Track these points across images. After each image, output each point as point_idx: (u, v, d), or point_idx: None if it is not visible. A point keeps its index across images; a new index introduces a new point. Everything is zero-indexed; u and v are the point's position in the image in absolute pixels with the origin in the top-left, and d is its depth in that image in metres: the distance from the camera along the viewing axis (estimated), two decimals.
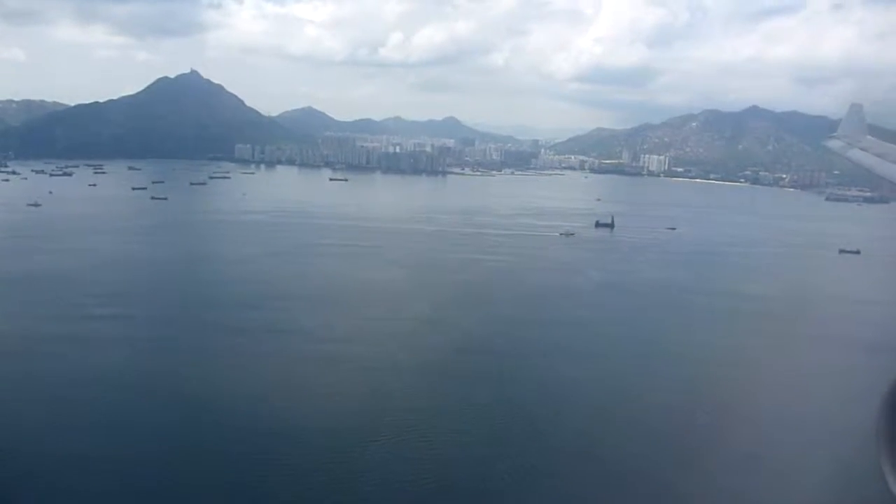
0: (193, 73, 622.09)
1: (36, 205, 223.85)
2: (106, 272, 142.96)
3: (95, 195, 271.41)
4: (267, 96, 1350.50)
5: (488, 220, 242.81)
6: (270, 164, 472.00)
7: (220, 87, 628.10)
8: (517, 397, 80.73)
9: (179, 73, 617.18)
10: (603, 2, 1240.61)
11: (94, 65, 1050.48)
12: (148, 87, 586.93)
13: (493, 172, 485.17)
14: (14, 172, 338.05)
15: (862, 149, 28.49)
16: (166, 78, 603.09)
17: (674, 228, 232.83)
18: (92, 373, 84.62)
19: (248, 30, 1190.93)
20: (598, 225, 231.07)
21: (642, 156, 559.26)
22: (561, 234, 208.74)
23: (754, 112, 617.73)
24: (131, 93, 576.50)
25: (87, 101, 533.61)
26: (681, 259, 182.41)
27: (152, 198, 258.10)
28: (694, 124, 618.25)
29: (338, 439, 68.16)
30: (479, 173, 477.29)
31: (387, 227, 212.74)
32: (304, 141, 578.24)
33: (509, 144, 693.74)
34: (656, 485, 61.82)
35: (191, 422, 71.10)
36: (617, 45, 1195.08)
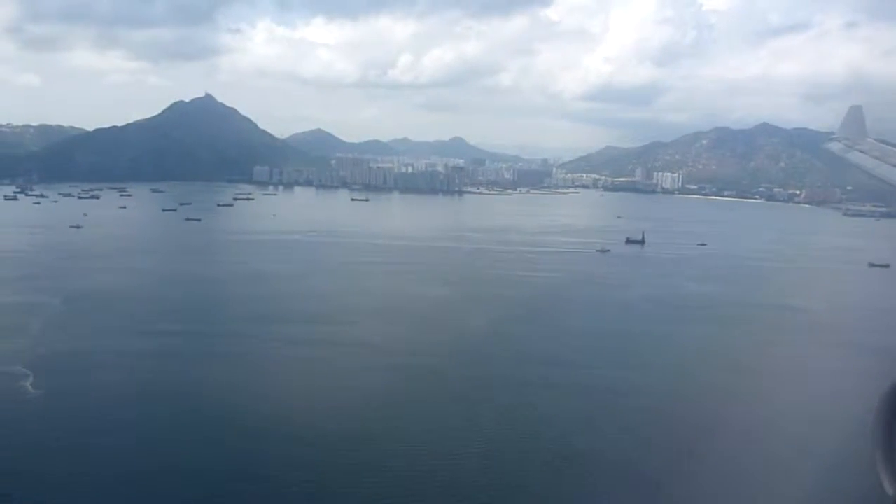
0: (208, 96, 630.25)
1: (77, 227, 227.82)
2: (163, 290, 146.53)
3: (129, 217, 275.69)
4: (277, 119, 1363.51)
5: (518, 237, 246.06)
6: (288, 186, 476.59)
7: (233, 111, 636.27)
8: (619, 406, 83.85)
9: (193, 96, 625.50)
10: (610, 21, 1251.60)
11: (108, 89, 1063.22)
12: (164, 111, 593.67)
13: (509, 191, 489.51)
14: (42, 195, 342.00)
15: (861, 151, 27.55)
16: (182, 102, 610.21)
17: (704, 244, 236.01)
18: (186, 385, 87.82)
19: (261, 53, 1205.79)
20: (628, 241, 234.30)
21: (655, 173, 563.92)
22: (597, 251, 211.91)
23: (764, 129, 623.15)
24: (147, 116, 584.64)
25: (104, 126, 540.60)
26: (718, 274, 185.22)
27: (187, 219, 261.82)
28: (704, 142, 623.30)
29: (450, 443, 71.21)
30: (494, 192, 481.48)
31: (421, 246, 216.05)
32: (316, 162, 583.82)
33: (520, 164, 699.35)
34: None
35: (295, 428, 74.07)
36: (624, 64, 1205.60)
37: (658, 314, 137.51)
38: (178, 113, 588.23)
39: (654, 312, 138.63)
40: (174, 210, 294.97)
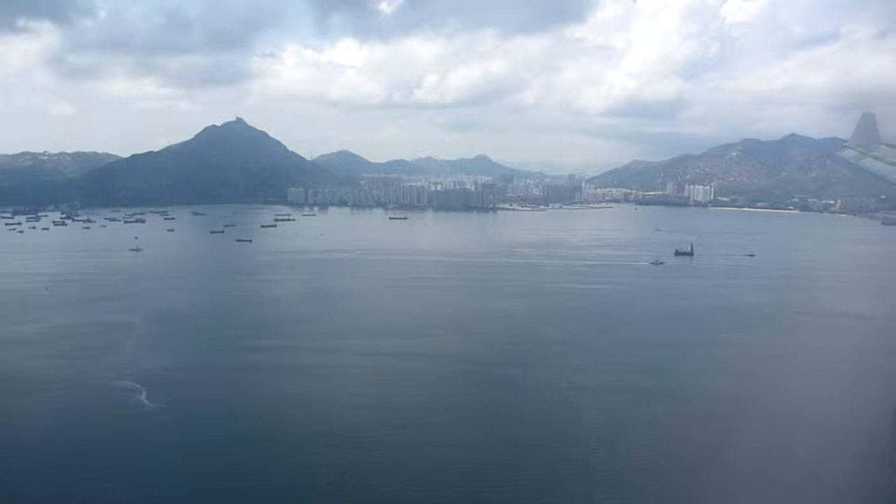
0: (239, 120, 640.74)
1: (137, 249, 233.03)
2: (236, 309, 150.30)
3: (179, 240, 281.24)
4: (303, 141, 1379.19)
5: (565, 251, 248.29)
6: (323, 206, 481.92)
7: (263, 134, 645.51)
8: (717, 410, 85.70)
9: (222, 120, 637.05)
10: (634, 36, 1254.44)
11: (138, 116, 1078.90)
12: (197, 136, 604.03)
13: (541, 207, 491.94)
14: (89, 220, 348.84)
15: (875, 157, 27.58)
16: (214, 126, 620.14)
17: (753, 255, 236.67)
18: (294, 397, 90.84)
19: (291, 77, 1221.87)
20: (677, 253, 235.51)
21: (686, 186, 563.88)
22: (650, 264, 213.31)
23: (793, 140, 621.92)
24: (178, 141, 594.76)
25: (137, 151, 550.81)
26: (774, 284, 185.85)
27: (238, 240, 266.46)
28: (734, 154, 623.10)
29: (573, 446, 73.52)
30: (528, 209, 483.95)
31: (473, 262, 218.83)
32: (346, 183, 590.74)
33: (547, 180, 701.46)
34: None
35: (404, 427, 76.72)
36: (648, 79, 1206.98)
37: (729, 323, 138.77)
38: (211, 137, 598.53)
39: (724, 322, 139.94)
40: (221, 232, 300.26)
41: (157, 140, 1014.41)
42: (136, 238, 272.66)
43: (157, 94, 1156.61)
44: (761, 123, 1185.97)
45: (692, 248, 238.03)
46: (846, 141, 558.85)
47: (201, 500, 63.32)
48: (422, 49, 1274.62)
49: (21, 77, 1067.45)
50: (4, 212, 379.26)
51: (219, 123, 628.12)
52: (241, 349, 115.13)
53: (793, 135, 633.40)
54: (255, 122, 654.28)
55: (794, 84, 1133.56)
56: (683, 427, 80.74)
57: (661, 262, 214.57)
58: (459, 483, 65.58)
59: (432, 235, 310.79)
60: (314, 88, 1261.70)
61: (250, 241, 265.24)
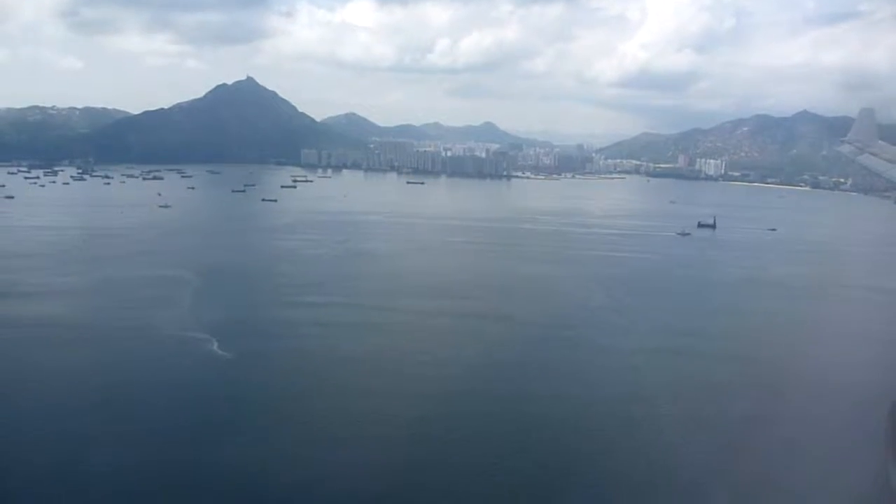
0: (249, 79, 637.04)
1: (166, 206, 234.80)
2: (281, 266, 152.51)
3: (203, 197, 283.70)
4: (311, 102, 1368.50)
5: (589, 220, 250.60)
6: (336, 168, 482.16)
7: (273, 94, 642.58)
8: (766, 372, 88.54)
9: (229, 79, 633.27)
10: (649, 8, 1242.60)
11: (147, 73, 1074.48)
12: (207, 94, 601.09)
13: (554, 176, 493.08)
14: (107, 176, 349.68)
15: (872, 154, 28.73)
16: (224, 85, 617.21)
17: (774, 230, 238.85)
18: (360, 352, 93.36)
19: (304, 37, 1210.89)
20: (700, 225, 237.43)
21: (698, 160, 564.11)
22: (677, 234, 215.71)
23: (804, 117, 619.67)
24: (187, 99, 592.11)
25: (147, 108, 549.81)
26: (800, 257, 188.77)
27: (263, 199, 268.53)
28: (745, 129, 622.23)
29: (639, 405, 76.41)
30: (541, 177, 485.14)
31: (500, 227, 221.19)
32: (355, 145, 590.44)
33: (557, 149, 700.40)
34: None
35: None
36: (660, 51, 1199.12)
37: (761, 293, 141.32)
38: (222, 96, 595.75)
39: (760, 292, 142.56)
40: (243, 191, 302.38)
41: (166, 97, 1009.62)
42: (160, 195, 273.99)
43: (167, 50, 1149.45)
44: (772, 99, 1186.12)
45: (714, 221, 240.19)
46: (844, 137, 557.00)
47: (310, 445, 65.35)
48: (437, 12, 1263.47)
49: (31, 30, 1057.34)
50: (20, 166, 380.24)
51: (229, 82, 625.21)
52: (297, 305, 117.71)
53: (804, 112, 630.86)
54: (264, 81, 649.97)
55: (808, 61, 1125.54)
56: (734, 387, 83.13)
57: (688, 234, 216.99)
58: (544, 435, 68.30)
59: (452, 200, 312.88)
60: (325, 49, 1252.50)
61: (275, 200, 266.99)
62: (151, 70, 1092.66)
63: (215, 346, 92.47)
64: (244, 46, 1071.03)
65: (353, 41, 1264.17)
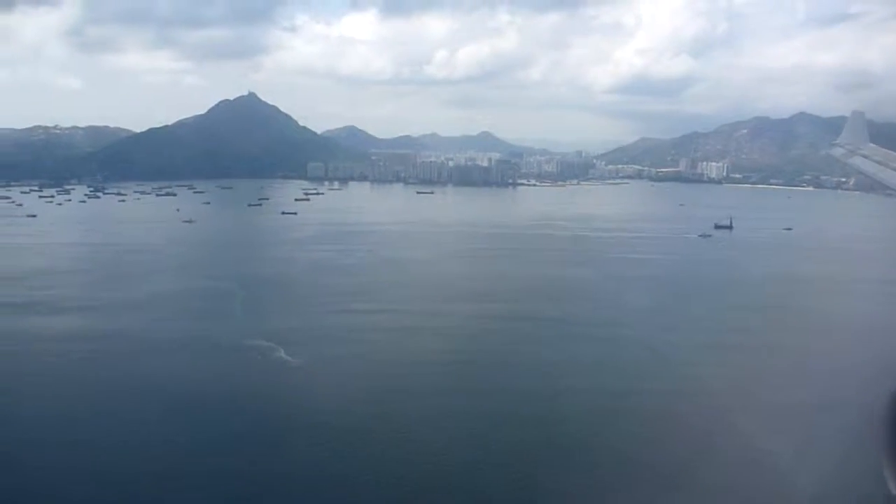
0: (251, 94, 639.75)
1: (190, 221, 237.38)
2: (321, 275, 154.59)
3: (222, 212, 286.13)
4: (310, 116, 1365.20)
5: (606, 224, 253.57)
6: (343, 181, 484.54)
7: (275, 108, 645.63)
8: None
9: (232, 95, 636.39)
10: (643, 14, 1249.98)
11: (146, 90, 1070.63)
12: (210, 110, 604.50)
13: (559, 183, 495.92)
14: (121, 194, 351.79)
15: (863, 156, 29.34)
16: (227, 100, 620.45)
17: (790, 229, 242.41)
18: (423, 354, 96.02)
19: (302, 51, 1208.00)
20: (717, 227, 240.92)
21: (699, 163, 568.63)
22: (698, 236, 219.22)
23: (802, 118, 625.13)
24: (188, 116, 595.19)
25: (150, 126, 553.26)
26: (821, 255, 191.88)
27: (283, 213, 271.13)
28: (744, 131, 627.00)
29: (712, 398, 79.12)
30: (546, 184, 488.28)
31: (521, 233, 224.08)
32: (357, 158, 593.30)
33: (557, 157, 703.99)
34: None
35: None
36: (655, 56, 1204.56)
37: (794, 290, 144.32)
38: (224, 111, 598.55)
39: (789, 289, 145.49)
40: (259, 205, 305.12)
41: (167, 114, 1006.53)
42: (178, 210, 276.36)
43: (167, 67, 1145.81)
44: (766, 101, 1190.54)
45: (731, 222, 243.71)
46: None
47: (398, 445, 67.91)
48: (436, 24, 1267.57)
49: (33, 50, 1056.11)
50: (31, 185, 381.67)
51: (231, 98, 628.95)
52: (348, 312, 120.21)
53: (802, 113, 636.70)
54: (264, 96, 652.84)
55: (803, 63, 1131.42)
56: (797, 376, 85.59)
57: (709, 235, 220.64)
58: (619, 427, 70.92)
59: (466, 209, 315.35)
60: (325, 63, 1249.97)
61: (295, 213, 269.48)
62: (151, 87, 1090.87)
63: (283, 354, 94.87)
64: (244, 62, 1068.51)
65: (352, 55, 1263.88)
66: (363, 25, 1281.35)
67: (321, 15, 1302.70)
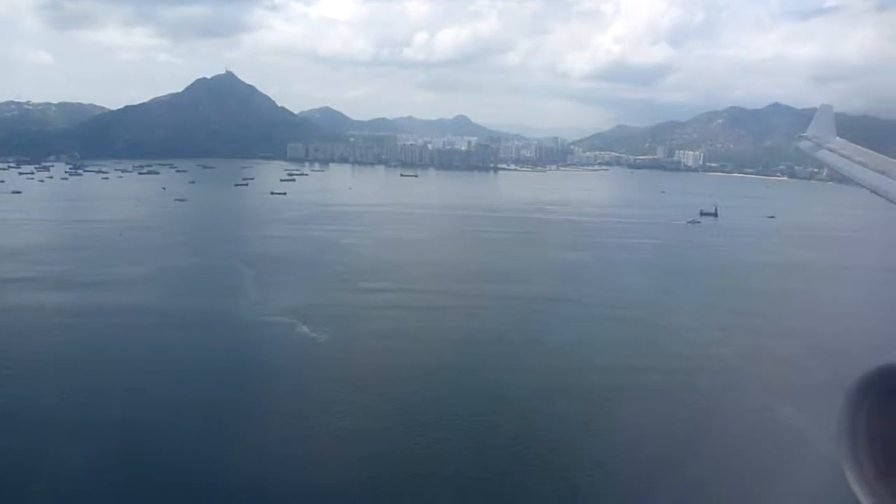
0: (229, 73, 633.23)
1: (182, 200, 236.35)
2: (324, 255, 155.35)
3: (211, 191, 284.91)
4: (286, 96, 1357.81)
5: (593, 210, 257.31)
6: (323, 163, 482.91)
7: (252, 88, 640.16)
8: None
9: (207, 73, 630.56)
10: (622, 1, 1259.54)
11: (120, 67, 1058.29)
12: (188, 88, 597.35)
13: (539, 168, 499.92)
14: (101, 171, 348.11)
15: (830, 150, 28.68)
16: (204, 79, 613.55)
17: (773, 217, 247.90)
18: (448, 330, 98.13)
19: (282, 30, 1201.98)
20: (702, 214, 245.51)
21: (677, 151, 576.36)
22: (687, 223, 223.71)
23: (776, 109, 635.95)
24: (164, 94, 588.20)
25: (122, 103, 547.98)
26: (807, 242, 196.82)
27: (272, 193, 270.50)
28: (720, 121, 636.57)
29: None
30: (527, 169, 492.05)
31: (514, 217, 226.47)
32: (335, 139, 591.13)
33: (535, 142, 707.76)
34: None
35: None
36: (632, 44, 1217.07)
37: (789, 275, 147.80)
38: (202, 90, 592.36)
39: (784, 273, 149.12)
40: (245, 185, 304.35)
41: (141, 92, 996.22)
42: (164, 189, 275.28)
43: (142, 44, 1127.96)
44: (739, 92, 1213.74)
45: (716, 210, 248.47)
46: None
47: (451, 420, 69.83)
48: (418, 6, 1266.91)
49: (7, 24, 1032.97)
50: (7, 161, 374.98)
51: (208, 76, 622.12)
52: (362, 290, 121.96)
53: (776, 104, 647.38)
54: (241, 75, 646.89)
55: (779, 54, 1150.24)
56: (804, 358, 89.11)
57: (698, 222, 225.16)
58: (649, 402, 73.67)
59: (452, 191, 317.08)
60: (304, 43, 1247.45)
61: (284, 194, 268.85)
62: (125, 64, 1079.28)
63: (307, 330, 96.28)
64: (221, 40, 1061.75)
65: (332, 35, 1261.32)
66: (345, 5, 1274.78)
67: None
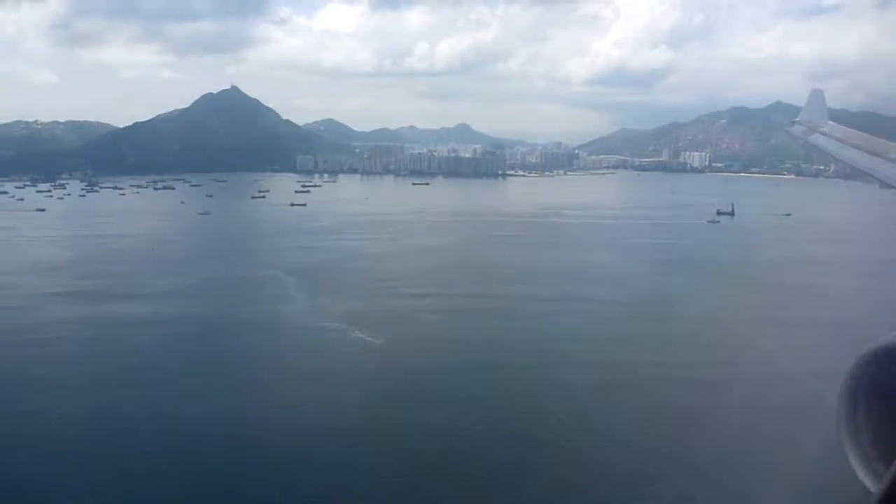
0: (234, 88, 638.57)
1: (206, 213, 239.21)
2: (359, 263, 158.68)
3: (230, 205, 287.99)
4: (290, 109, 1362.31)
5: (610, 212, 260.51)
6: (332, 174, 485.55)
7: (257, 102, 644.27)
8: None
9: (211, 89, 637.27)
10: (621, 6, 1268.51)
11: (125, 84, 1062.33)
12: (195, 103, 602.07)
13: (547, 174, 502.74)
14: (117, 188, 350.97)
15: (823, 133, 28.72)
16: (210, 94, 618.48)
17: (789, 215, 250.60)
18: (492, 333, 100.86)
19: (286, 44, 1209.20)
20: (719, 213, 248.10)
21: (682, 153, 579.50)
22: (707, 222, 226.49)
23: (779, 108, 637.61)
24: (170, 110, 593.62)
25: (129, 120, 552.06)
26: (828, 238, 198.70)
27: (292, 204, 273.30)
28: (723, 121, 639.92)
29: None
30: (535, 175, 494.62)
31: (532, 221, 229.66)
32: (340, 151, 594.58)
33: (539, 148, 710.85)
34: None
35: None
36: (634, 48, 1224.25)
37: (826, 271, 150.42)
38: (208, 105, 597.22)
39: (813, 269, 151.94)
40: (262, 197, 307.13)
41: (145, 109, 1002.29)
42: (183, 203, 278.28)
43: (147, 61, 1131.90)
44: (739, 91, 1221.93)
45: (733, 209, 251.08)
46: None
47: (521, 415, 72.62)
48: (420, 17, 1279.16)
49: (14, 44, 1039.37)
50: (22, 180, 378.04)
51: (214, 91, 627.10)
52: (403, 296, 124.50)
53: (778, 102, 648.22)
54: (245, 89, 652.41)
55: (778, 54, 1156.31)
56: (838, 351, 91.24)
57: (718, 221, 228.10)
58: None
59: (466, 198, 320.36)
60: (307, 56, 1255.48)
61: (304, 205, 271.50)
62: (129, 81, 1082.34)
63: (360, 334, 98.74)
64: (225, 55, 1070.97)
65: (335, 47, 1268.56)
66: (348, 18, 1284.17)
67: (307, 8, 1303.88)
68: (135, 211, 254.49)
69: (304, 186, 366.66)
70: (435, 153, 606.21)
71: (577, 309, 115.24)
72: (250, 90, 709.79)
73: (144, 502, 54.54)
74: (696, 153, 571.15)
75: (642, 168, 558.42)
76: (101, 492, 54.99)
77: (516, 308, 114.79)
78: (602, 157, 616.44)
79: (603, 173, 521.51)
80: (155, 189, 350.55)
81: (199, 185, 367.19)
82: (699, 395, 73.95)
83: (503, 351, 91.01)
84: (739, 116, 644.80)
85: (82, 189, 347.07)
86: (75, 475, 57.33)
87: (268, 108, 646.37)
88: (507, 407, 71.76)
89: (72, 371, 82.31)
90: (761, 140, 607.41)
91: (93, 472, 58.17)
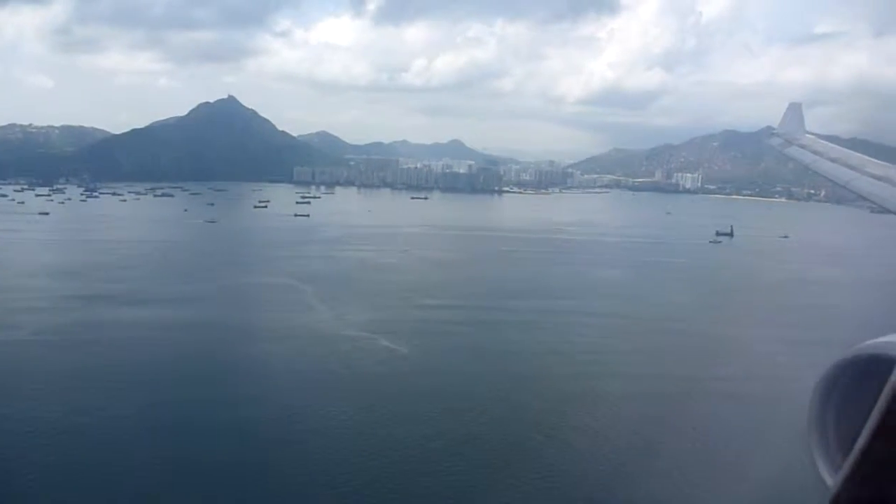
0: (231, 98, 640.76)
1: (212, 221, 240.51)
2: (373, 273, 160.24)
3: (234, 213, 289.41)
4: (284, 120, 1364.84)
5: (611, 230, 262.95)
6: (328, 186, 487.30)
7: (254, 112, 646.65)
8: None
9: (207, 98, 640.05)
10: (616, 28, 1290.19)
11: (121, 91, 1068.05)
12: (192, 112, 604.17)
13: (542, 191, 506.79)
14: (116, 194, 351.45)
15: (800, 146, 27.87)
16: (207, 103, 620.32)
17: (786, 236, 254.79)
18: (514, 345, 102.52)
19: (284, 55, 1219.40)
20: (718, 234, 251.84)
21: (675, 174, 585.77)
22: (710, 242, 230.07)
23: (769, 132, 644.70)
24: (166, 117, 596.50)
25: (125, 127, 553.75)
26: (828, 260, 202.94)
27: (296, 215, 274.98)
28: (715, 144, 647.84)
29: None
30: (530, 192, 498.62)
31: (536, 238, 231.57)
32: (334, 163, 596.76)
33: (532, 165, 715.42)
34: None
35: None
36: (625, 70, 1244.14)
37: (827, 292, 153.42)
38: (205, 114, 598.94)
39: (819, 290, 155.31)
40: (265, 207, 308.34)
41: (141, 116, 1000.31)
42: (186, 210, 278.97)
43: (144, 69, 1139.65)
44: (729, 115, 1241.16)
45: (731, 230, 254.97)
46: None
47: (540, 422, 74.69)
48: (419, 33, 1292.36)
49: (12, 48, 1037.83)
50: (20, 184, 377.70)
51: (211, 100, 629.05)
52: (420, 307, 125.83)
53: (769, 127, 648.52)
54: (241, 100, 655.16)
55: (770, 79, 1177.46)
56: None
57: (720, 241, 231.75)
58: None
59: (467, 213, 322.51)
60: (304, 68, 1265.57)
61: (308, 216, 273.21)
62: (125, 88, 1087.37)
63: (386, 343, 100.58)
64: (222, 65, 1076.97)
65: (332, 60, 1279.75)
66: (348, 31, 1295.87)
67: (307, 21, 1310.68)
68: (138, 218, 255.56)
69: (303, 197, 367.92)
70: (428, 168, 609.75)
71: (599, 324, 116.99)
72: (247, 100, 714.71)
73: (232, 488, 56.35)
74: (689, 175, 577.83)
75: (636, 188, 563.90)
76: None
77: (530, 321, 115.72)
78: (596, 176, 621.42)
79: (597, 192, 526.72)
80: (154, 196, 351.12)
81: (198, 194, 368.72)
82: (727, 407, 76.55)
83: (539, 366, 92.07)
84: (731, 139, 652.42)
85: (82, 194, 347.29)
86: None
87: (264, 118, 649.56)
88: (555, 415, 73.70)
89: (155, 369, 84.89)
90: (752, 163, 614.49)
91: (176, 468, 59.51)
